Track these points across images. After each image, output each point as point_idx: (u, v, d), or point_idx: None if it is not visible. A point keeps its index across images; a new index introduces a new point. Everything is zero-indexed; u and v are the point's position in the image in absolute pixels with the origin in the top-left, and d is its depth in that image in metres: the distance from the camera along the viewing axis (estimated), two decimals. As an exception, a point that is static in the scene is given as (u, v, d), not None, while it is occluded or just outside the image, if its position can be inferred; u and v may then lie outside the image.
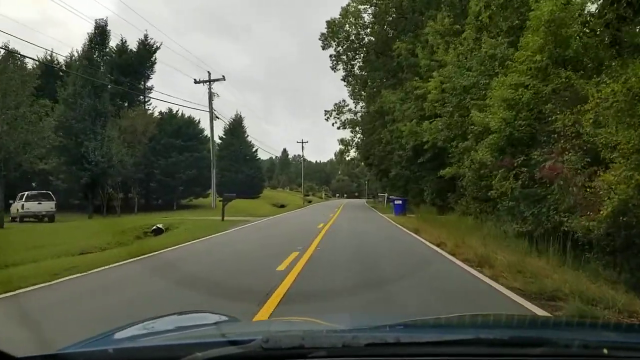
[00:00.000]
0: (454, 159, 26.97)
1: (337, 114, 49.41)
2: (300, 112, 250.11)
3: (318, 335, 1.56)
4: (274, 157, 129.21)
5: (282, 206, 51.41)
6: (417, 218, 26.47)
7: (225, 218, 23.95)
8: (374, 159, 47.98)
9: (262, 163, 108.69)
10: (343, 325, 2.06)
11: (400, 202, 31.52)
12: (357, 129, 50.96)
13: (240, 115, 61.28)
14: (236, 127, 59.83)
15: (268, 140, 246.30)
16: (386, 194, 50.88)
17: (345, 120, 49.76)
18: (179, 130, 36.08)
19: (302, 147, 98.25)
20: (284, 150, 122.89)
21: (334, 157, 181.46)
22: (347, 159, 54.40)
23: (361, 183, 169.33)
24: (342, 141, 51.78)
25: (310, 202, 76.48)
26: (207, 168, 36.09)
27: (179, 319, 2.23)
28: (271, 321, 4.01)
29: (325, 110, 49.54)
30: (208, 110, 36.58)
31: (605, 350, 1.35)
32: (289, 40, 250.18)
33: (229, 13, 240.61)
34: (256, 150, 61.68)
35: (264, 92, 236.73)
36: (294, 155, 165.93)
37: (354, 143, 52.49)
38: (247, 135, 61.58)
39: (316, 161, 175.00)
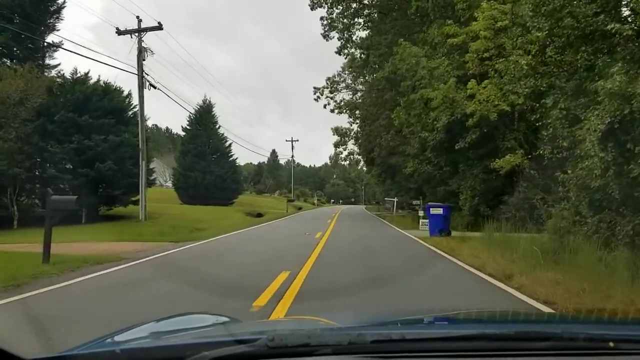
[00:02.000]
0: (541, 133, 14.86)
1: (330, 91, 37.22)
2: (292, 116, 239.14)
3: (324, 333, 1.55)
4: (262, 163, 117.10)
5: (259, 215, 39.24)
6: (484, 242, 14.25)
7: (135, 241, 12.15)
8: (379, 151, 35.88)
9: (243, 166, 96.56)
10: (348, 323, 2.05)
11: (440, 211, 18.93)
12: (357, 113, 38.90)
13: (210, 102, 49.10)
14: (204, 116, 47.61)
15: (259, 145, 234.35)
16: (395, 199, 38.79)
17: (341, 101, 37.70)
18: (88, 101, 23.54)
19: (292, 146, 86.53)
20: (273, 152, 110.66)
21: (328, 161, 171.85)
22: (344, 154, 42.11)
23: (357, 188, 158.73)
24: (336, 131, 39.64)
25: (300, 209, 64.47)
26: (136, 159, 23.75)
27: (183, 320, 2.19)
28: (276, 320, 4.12)
29: (314, 88, 37.31)
30: (137, 73, 24.25)
31: (610, 344, 1.32)
32: (280, 41, 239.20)
33: (218, 12, 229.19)
34: (230, 146, 49.35)
35: (254, 95, 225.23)
36: (286, 161, 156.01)
37: (352, 133, 40.47)
38: (219, 127, 49.31)
39: (310, 165, 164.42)
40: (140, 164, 24.03)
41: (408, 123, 27.50)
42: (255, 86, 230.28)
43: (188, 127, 47.75)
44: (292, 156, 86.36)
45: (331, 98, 36.96)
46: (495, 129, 21.45)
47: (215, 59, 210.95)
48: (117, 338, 1.67)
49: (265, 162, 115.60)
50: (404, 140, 34.44)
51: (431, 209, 18.53)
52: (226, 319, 2.08)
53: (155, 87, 25.48)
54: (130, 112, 26.33)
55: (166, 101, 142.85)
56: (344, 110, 37.53)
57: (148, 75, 24.73)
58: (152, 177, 28.08)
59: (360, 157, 44.00)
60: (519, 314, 2.57)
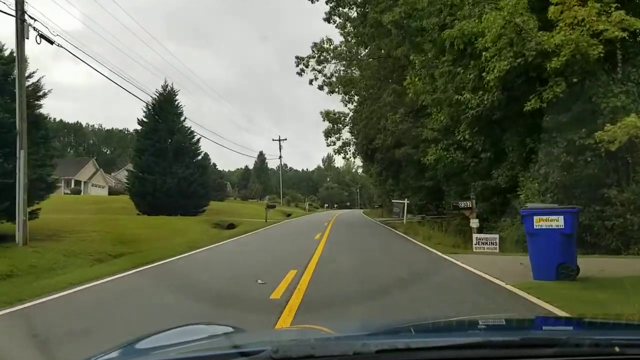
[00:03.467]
0: None
1: (317, 62, 28.20)
2: (283, 122, 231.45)
3: (328, 343, 1.55)
4: (249, 167, 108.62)
5: (230, 226, 30.44)
6: None
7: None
8: (383, 139, 27.13)
9: (234, 172, 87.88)
10: (352, 332, 2.06)
11: (558, 222, 8.52)
12: (353, 93, 30.17)
13: (172, 88, 40.12)
14: (164, 106, 38.71)
15: (247, 152, 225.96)
16: (405, 201, 29.99)
17: (331, 75, 28.84)
18: None
19: (280, 145, 78.07)
20: (260, 154, 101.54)
21: (321, 164, 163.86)
22: (337, 144, 32.94)
23: (352, 191, 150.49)
24: (327, 116, 30.79)
25: (289, 215, 55.65)
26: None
27: (187, 331, 2.13)
28: (280, 330, 4.08)
29: (296, 58, 28.14)
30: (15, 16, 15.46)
31: (616, 349, 1.32)
32: (268, 46, 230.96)
33: (201, 17, 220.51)
34: (198, 142, 40.40)
35: (241, 101, 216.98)
36: (278, 166, 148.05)
37: (347, 118, 31.71)
38: (184, 119, 40.34)
39: (303, 169, 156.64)
40: (18, 155, 15.14)
41: (430, 89, 18.72)
42: (243, 92, 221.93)
43: (144, 120, 38.74)
44: (280, 157, 77.76)
45: (319, 71, 28.18)
46: (590, 76, 12.75)
47: (200, 63, 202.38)
48: (119, 352, 1.64)
49: (254, 166, 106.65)
50: (417, 122, 25.79)
51: (538, 217, 8.26)
52: (230, 330, 2.05)
53: (51, 42, 16.67)
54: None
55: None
56: (336, 88, 28.77)
57: (36, 21, 15.87)
58: (51, 178, 19.05)
59: (355, 147, 34.86)
60: (524, 320, 2.54)
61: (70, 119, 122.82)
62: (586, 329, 2.01)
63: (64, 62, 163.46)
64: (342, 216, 48.87)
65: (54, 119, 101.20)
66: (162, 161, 37.38)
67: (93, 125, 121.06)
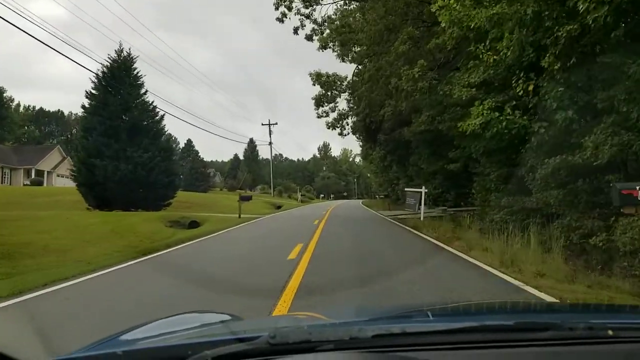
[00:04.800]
0: None
1: (303, 3, 20.56)
2: (277, 111, 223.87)
3: (325, 329, 1.54)
4: (238, 155, 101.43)
5: (193, 225, 23.20)
6: None
7: None
8: (396, 101, 19.70)
9: (227, 162, 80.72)
10: (349, 318, 2.06)
11: None
12: (354, 49, 22.76)
13: (129, 54, 32.57)
14: (118, 75, 31.24)
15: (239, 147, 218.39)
16: (423, 189, 22.72)
17: (323, 21, 21.30)
18: None
19: (270, 130, 70.68)
20: (251, 141, 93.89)
21: (317, 154, 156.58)
22: (330, 116, 25.24)
23: (349, 181, 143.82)
24: (318, 78, 23.27)
25: (279, 207, 48.48)
26: None
27: (184, 319, 2.15)
28: (277, 317, 4.19)
29: (275, -2, 20.37)
30: None
31: (610, 332, 1.34)
32: (262, 36, 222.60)
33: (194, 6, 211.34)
34: (162, 119, 32.96)
35: (235, 91, 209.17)
36: (277, 155, 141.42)
37: (344, 84, 24.30)
38: (145, 92, 32.87)
39: (298, 159, 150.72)
40: None
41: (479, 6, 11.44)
42: (236, 82, 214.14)
43: (93, 92, 31.21)
44: (270, 143, 70.30)
45: (306, 16, 20.72)
46: None
47: (192, 53, 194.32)
48: (118, 339, 1.65)
49: (244, 154, 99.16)
50: (445, 78, 18.55)
51: None
52: (228, 317, 2.06)
53: None
54: None
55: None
56: (331, 40, 21.35)
57: None
58: None
59: (355, 120, 27.41)
60: (518, 305, 2.55)
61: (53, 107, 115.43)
62: (580, 313, 2.01)
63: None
64: (338, 209, 41.48)
65: (31, 106, 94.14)
66: (115, 143, 29.98)
67: (77, 113, 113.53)
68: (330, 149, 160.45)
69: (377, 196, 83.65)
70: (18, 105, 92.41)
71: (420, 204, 22.74)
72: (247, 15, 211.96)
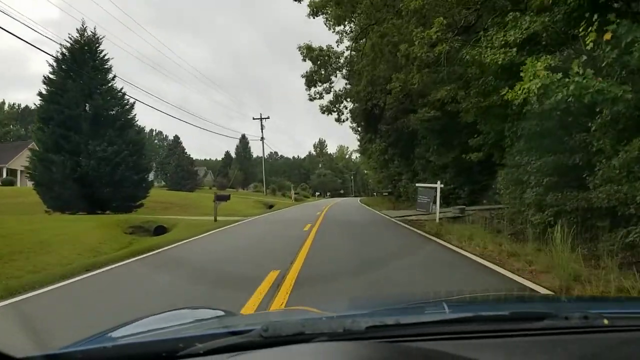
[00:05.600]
0: None
1: None
2: (273, 108, 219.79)
3: (318, 321, 1.50)
4: (231, 153, 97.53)
5: (159, 231, 19.20)
6: None
7: None
8: (406, 75, 15.54)
9: (220, 161, 77.58)
10: (342, 311, 2.06)
11: None
12: (353, 20, 18.65)
13: (94, 33, 28.31)
14: (80, 58, 27.02)
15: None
16: (439, 184, 18.60)
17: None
18: None
19: (262, 125, 66.60)
20: (243, 137, 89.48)
21: (313, 151, 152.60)
22: (325, 98, 21.02)
23: (346, 179, 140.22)
24: (308, 52, 19.07)
25: (271, 207, 44.66)
26: None
27: (177, 315, 2.09)
28: (270, 312, 4.06)
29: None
30: None
31: (605, 321, 1.34)
32: (256, 31, 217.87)
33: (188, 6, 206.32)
34: (132, 108, 28.73)
35: (230, 89, 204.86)
36: (269, 153, 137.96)
37: (341, 59, 20.13)
38: (114, 77, 28.62)
39: (293, 157, 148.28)
40: None
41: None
42: (231, 80, 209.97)
43: (51, 77, 26.95)
44: (262, 138, 66.06)
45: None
46: None
47: (186, 51, 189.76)
48: (110, 335, 1.62)
49: (235, 151, 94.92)
50: (469, 40, 14.53)
51: None
52: (222, 313, 2.02)
53: None
54: None
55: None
56: (325, 7, 17.21)
57: None
58: None
59: (354, 102, 23.23)
60: (513, 296, 2.73)
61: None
62: (575, 303, 2.06)
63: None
64: (335, 209, 37.31)
65: (16, 104, 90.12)
66: (74, 135, 25.77)
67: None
68: (326, 145, 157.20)
69: (375, 193, 79.64)
70: (3, 103, 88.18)
71: (435, 203, 18.67)
72: (242, 11, 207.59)
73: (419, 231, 14.39)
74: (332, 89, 20.66)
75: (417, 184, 21.10)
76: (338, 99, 21.11)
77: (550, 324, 1.33)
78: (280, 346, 1.21)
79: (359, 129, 38.12)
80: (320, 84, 20.23)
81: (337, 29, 19.33)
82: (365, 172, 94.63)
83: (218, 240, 14.04)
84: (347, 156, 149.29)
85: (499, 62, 12.13)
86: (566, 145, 13.12)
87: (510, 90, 10.10)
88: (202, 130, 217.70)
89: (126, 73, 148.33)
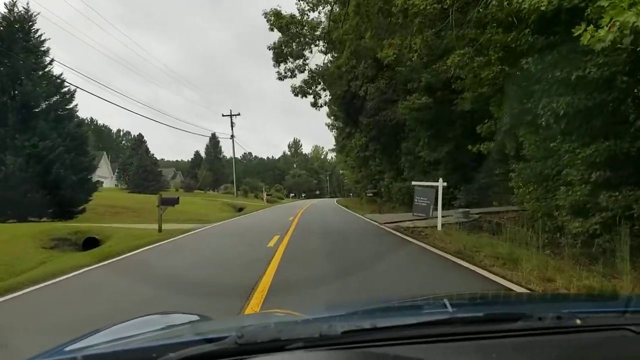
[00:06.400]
0: None
1: None
2: (247, 109, 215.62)
3: (294, 326, 1.50)
4: (201, 152, 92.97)
5: (91, 243, 15.08)
6: None
7: None
8: (402, 39, 11.90)
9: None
10: (320, 314, 1.97)
11: None
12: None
13: (27, 10, 23.97)
14: (9, 39, 22.67)
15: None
16: (439, 184, 14.94)
17: None
18: None
19: (232, 122, 62.53)
20: (213, 136, 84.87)
21: (287, 151, 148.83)
22: (297, 76, 17.32)
23: (322, 179, 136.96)
24: (276, 20, 15.33)
25: (240, 210, 40.78)
26: None
27: (150, 321, 1.97)
28: (245, 316, 3.92)
29: None
30: None
31: (578, 321, 1.33)
32: (226, 32, 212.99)
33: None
34: (72, 96, 24.44)
35: (202, 89, 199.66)
36: (246, 153, 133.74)
37: (317, 30, 16.38)
38: (51, 62, 24.31)
39: (268, 157, 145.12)
40: None
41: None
42: (204, 80, 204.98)
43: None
44: (232, 136, 61.80)
45: None
46: None
47: (156, 49, 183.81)
48: (79, 344, 1.54)
49: (205, 151, 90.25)
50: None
51: None
52: (196, 317, 1.95)
53: None
54: None
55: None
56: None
57: None
58: None
59: (331, 86, 19.44)
60: (487, 296, 2.53)
61: None
62: (549, 302, 2.02)
63: None
64: (311, 211, 33.43)
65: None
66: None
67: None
68: (301, 146, 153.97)
69: (351, 194, 76.02)
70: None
71: (436, 206, 15.04)
72: (212, 9, 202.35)
73: (430, 248, 10.40)
74: (306, 67, 16.88)
75: (413, 183, 17.40)
76: (314, 79, 17.35)
77: (524, 325, 1.31)
78: (255, 354, 1.16)
79: (337, 122, 34.53)
80: (291, 60, 16.41)
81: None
82: (342, 172, 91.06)
83: (149, 265, 10.01)
84: (322, 156, 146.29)
85: (543, 7, 8.54)
86: (629, 127, 9.67)
87: (588, 29, 6.44)
88: (173, 131, 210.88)
89: (91, 70, 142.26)
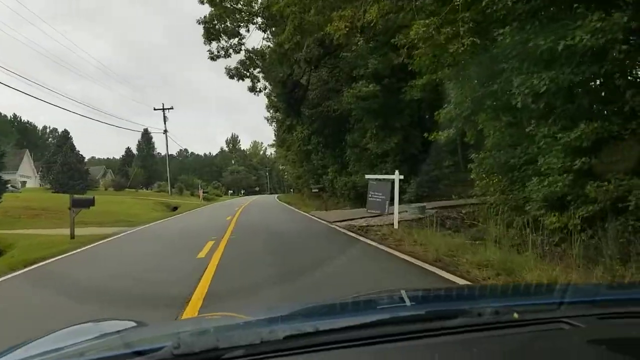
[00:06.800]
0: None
1: None
2: (182, 103, 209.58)
3: (233, 333, 1.36)
4: (132, 149, 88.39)
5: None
6: None
7: None
8: (353, 13, 10.17)
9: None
10: (263, 316, 1.82)
11: None
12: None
13: None
14: None
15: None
16: (395, 177, 13.38)
17: None
18: None
19: (164, 116, 59.49)
20: (145, 132, 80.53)
21: (225, 147, 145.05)
22: (232, 55, 15.21)
23: (261, 175, 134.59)
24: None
25: (175, 209, 38.34)
26: None
27: (79, 330, 1.82)
28: (183, 322, 3.59)
29: None
30: None
31: (515, 315, 1.34)
32: (162, 23, 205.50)
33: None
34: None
35: (136, 83, 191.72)
36: (182, 150, 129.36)
37: (257, 5, 14.45)
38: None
39: (205, 154, 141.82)
40: None
41: None
42: (137, 76, 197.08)
43: None
44: (165, 131, 58.61)
45: None
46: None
47: (86, 42, 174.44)
48: None
49: (137, 147, 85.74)
50: None
51: None
52: (132, 324, 1.81)
53: None
54: None
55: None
56: None
57: None
58: None
59: (271, 69, 17.53)
60: (429, 292, 2.52)
61: None
62: (488, 297, 2.00)
63: None
64: (251, 209, 31.37)
65: None
66: None
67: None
68: (240, 141, 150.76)
69: (292, 190, 74.15)
70: None
71: (392, 202, 13.49)
72: (146, 1, 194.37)
73: (397, 253, 8.72)
74: (242, 46, 14.88)
75: (367, 176, 15.72)
76: (252, 60, 15.38)
77: (464, 321, 1.30)
78: None
79: (277, 115, 32.65)
80: (225, 38, 14.37)
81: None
82: (282, 167, 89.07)
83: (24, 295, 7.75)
84: (261, 152, 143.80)
85: None
86: (622, 107, 8.43)
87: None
88: (106, 128, 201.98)
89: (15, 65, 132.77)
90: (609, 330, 1.34)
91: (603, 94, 8.79)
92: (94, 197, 14.37)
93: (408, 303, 1.96)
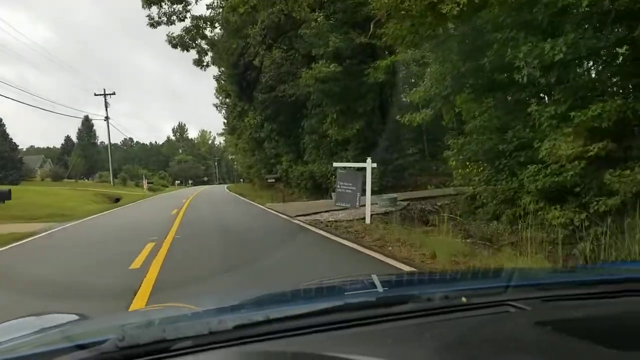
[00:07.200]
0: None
1: None
2: (126, 91, 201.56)
3: (181, 324, 1.32)
4: (72, 137, 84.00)
5: None
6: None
7: None
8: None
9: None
10: (212, 306, 1.80)
11: None
12: None
13: None
14: None
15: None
16: (368, 165, 11.79)
17: None
18: None
19: (106, 102, 55.95)
20: (86, 119, 75.90)
21: (172, 135, 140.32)
22: (175, 22, 13.33)
23: (210, 165, 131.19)
24: None
25: (117, 200, 35.70)
26: None
27: (20, 324, 1.69)
28: (128, 314, 3.33)
29: None
30: None
31: (463, 299, 1.34)
32: (105, 11, 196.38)
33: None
34: None
35: (79, 69, 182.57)
36: (123, 140, 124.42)
37: None
38: None
39: (151, 143, 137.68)
40: None
41: None
42: (79, 62, 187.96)
43: None
44: (107, 117, 54.97)
45: None
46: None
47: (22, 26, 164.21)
48: None
49: (77, 135, 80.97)
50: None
51: None
52: (74, 317, 1.74)
53: None
54: None
55: None
56: None
57: None
58: None
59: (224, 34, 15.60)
60: (381, 278, 2.32)
61: None
62: (437, 282, 2.00)
63: None
64: (200, 201, 29.19)
65: None
66: None
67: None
68: (187, 130, 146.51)
69: (242, 180, 71.69)
70: None
71: (363, 193, 11.93)
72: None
73: (383, 258, 6.94)
74: (187, 14, 12.85)
75: (335, 164, 14.03)
76: (198, 29, 13.37)
77: (414, 306, 1.31)
78: (139, 358, 1.05)
79: (228, 100, 30.54)
80: (168, 3, 12.32)
81: None
82: (231, 156, 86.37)
83: None
84: (210, 141, 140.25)
85: None
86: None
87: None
88: (46, 115, 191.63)
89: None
90: (553, 312, 1.34)
91: (627, 64, 7.42)
92: (9, 190, 12.08)
93: (359, 290, 1.90)
